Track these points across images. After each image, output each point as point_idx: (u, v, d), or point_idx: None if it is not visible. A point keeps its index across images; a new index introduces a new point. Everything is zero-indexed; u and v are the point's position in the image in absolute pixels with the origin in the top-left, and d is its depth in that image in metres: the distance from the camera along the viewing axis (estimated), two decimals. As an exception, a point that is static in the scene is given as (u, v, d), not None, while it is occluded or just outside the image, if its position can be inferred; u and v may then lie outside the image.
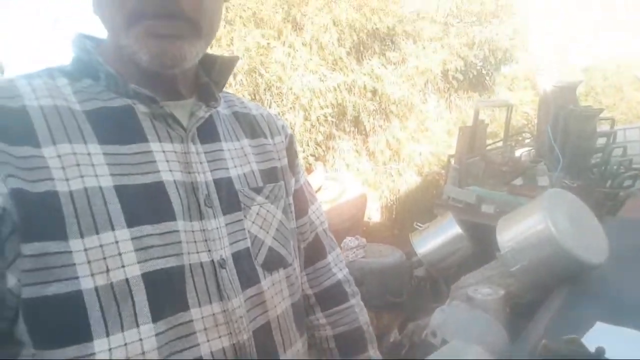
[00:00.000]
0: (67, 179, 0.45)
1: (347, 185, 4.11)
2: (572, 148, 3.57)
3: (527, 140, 5.28)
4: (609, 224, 1.91)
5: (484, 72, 7.23)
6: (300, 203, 0.74)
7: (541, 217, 1.58)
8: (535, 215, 1.62)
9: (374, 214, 5.65)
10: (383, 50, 6.16)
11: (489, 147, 4.77)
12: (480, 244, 2.65)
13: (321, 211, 0.80)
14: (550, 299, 1.40)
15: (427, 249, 2.81)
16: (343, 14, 5.33)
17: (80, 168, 0.46)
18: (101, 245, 0.45)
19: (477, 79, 7.22)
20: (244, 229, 0.57)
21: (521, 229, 1.65)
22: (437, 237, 2.82)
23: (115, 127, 0.50)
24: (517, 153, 4.72)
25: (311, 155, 5.36)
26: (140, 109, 0.52)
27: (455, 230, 2.76)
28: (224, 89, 0.68)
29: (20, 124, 0.45)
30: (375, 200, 5.72)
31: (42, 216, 0.43)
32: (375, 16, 5.52)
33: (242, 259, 0.56)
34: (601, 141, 3.83)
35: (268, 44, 4.96)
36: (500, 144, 4.94)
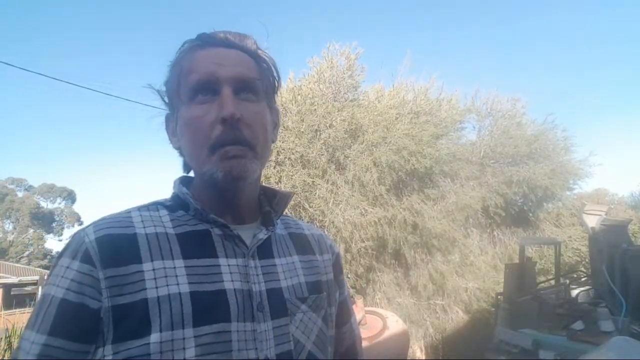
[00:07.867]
0: (156, 287, 0.61)
1: (389, 321, 3.91)
2: (636, 290, 3.31)
3: (583, 279, 4.93)
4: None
5: (525, 208, 7.24)
6: (344, 312, 0.85)
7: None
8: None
9: (417, 354, 5.17)
10: (422, 188, 6.48)
11: (540, 286, 4.49)
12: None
13: (357, 324, 0.91)
14: None
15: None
16: (383, 156, 5.87)
17: (168, 279, 0.62)
18: (172, 340, 0.58)
19: (519, 215, 7.20)
20: (288, 333, 0.68)
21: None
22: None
23: (197, 246, 0.67)
24: (573, 293, 4.38)
25: (352, 287, 5.29)
26: (216, 232, 0.69)
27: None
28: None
29: (130, 247, 0.63)
30: (418, 339, 5.30)
31: (134, 319, 0.59)
32: (414, 158, 6.00)
33: None
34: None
35: (313, 181, 5.45)
36: (552, 282, 4.64)
